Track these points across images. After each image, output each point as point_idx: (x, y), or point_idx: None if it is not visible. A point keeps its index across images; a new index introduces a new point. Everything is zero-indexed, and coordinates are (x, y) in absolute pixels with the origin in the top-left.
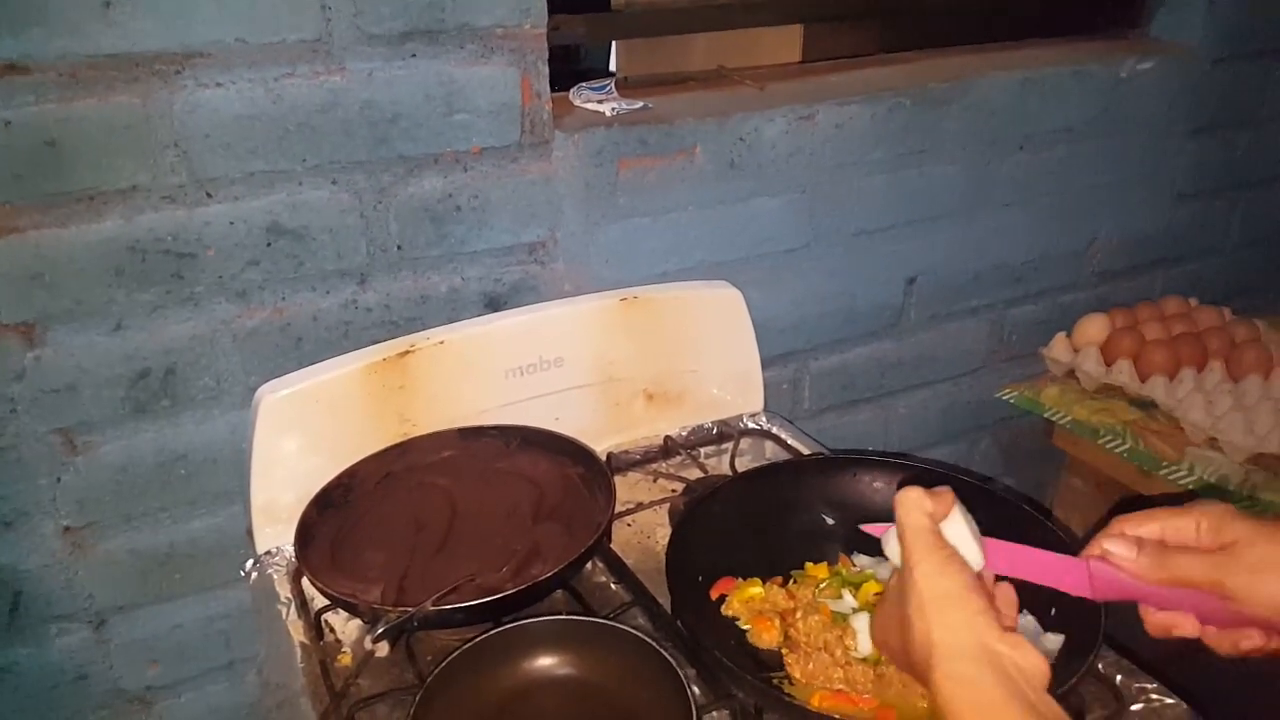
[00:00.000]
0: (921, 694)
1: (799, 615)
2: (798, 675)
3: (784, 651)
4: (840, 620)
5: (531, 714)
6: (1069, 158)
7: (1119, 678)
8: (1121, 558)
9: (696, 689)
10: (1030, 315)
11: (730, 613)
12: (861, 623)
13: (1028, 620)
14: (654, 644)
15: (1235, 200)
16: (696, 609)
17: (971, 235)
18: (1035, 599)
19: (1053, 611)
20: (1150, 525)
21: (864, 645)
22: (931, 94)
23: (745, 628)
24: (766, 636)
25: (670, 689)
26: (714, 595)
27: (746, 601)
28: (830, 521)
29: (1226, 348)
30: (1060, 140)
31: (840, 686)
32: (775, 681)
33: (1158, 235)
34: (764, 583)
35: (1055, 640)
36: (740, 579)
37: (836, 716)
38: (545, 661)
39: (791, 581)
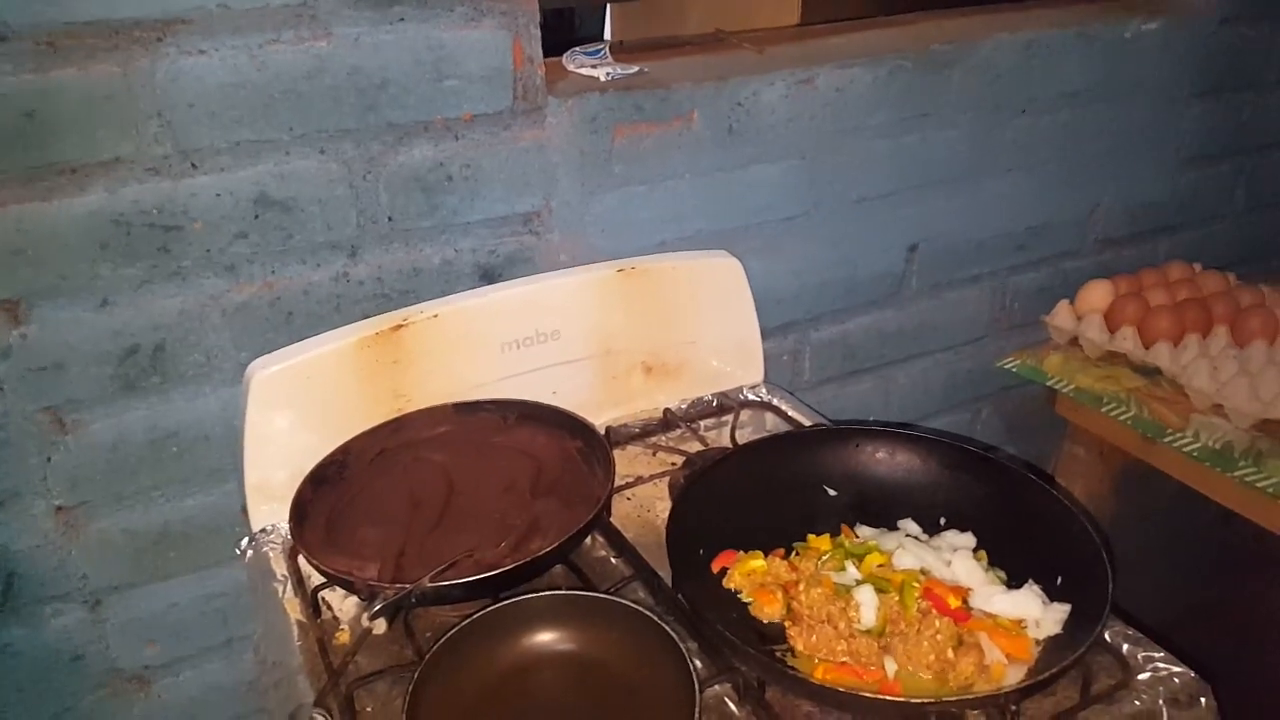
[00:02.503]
0: (926, 665)
1: (802, 588)
2: (800, 648)
3: (786, 624)
4: (843, 593)
5: (532, 690)
6: (1073, 122)
7: (1125, 646)
8: None
9: (698, 662)
10: (1033, 282)
11: (732, 585)
12: (865, 595)
13: (1034, 590)
14: (655, 618)
15: (1241, 165)
16: (698, 582)
17: (974, 201)
18: (1041, 569)
19: (1059, 580)
20: None
21: (868, 617)
22: (934, 56)
23: (747, 601)
24: (769, 609)
25: (672, 663)
26: (715, 568)
27: (748, 574)
28: (832, 493)
29: (1231, 314)
30: (1064, 104)
31: (844, 659)
32: (778, 654)
33: (1162, 200)
34: (766, 555)
35: (1061, 610)
36: (742, 551)
37: (840, 688)
38: (545, 637)
39: (793, 554)
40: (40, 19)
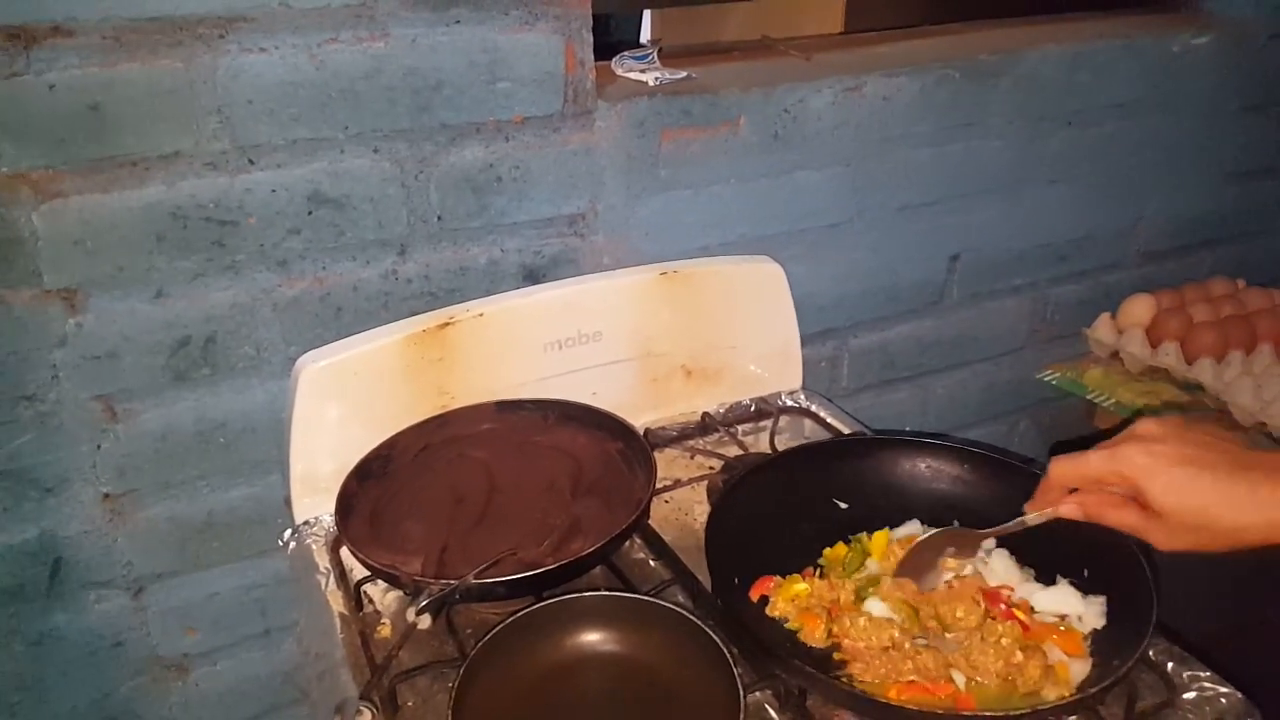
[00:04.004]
0: (995, 672)
1: (848, 623)
2: (869, 680)
3: (839, 656)
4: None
5: (575, 689)
6: (1118, 134)
7: (1170, 665)
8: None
9: (740, 669)
10: (1074, 294)
11: (776, 614)
12: (875, 606)
13: (1067, 585)
14: (699, 622)
15: None
16: (746, 615)
17: (1016, 212)
18: (1067, 562)
19: (1085, 573)
20: (1085, 472)
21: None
22: (981, 66)
23: (795, 628)
24: (818, 634)
25: (716, 667)
26: (754, 597)
27: (792, 599)
28: (843, 506)
29: (1276, 330)
30: (1110, 116)
31: (911, 677)
32: (843, 680)
33: (1206, 215)
34: (802, 576)
35: (1098, 601)
36: (778, 576)
37: (938, 710)
38: (590, 637)
39: (818, 572)
40: (107, 14)
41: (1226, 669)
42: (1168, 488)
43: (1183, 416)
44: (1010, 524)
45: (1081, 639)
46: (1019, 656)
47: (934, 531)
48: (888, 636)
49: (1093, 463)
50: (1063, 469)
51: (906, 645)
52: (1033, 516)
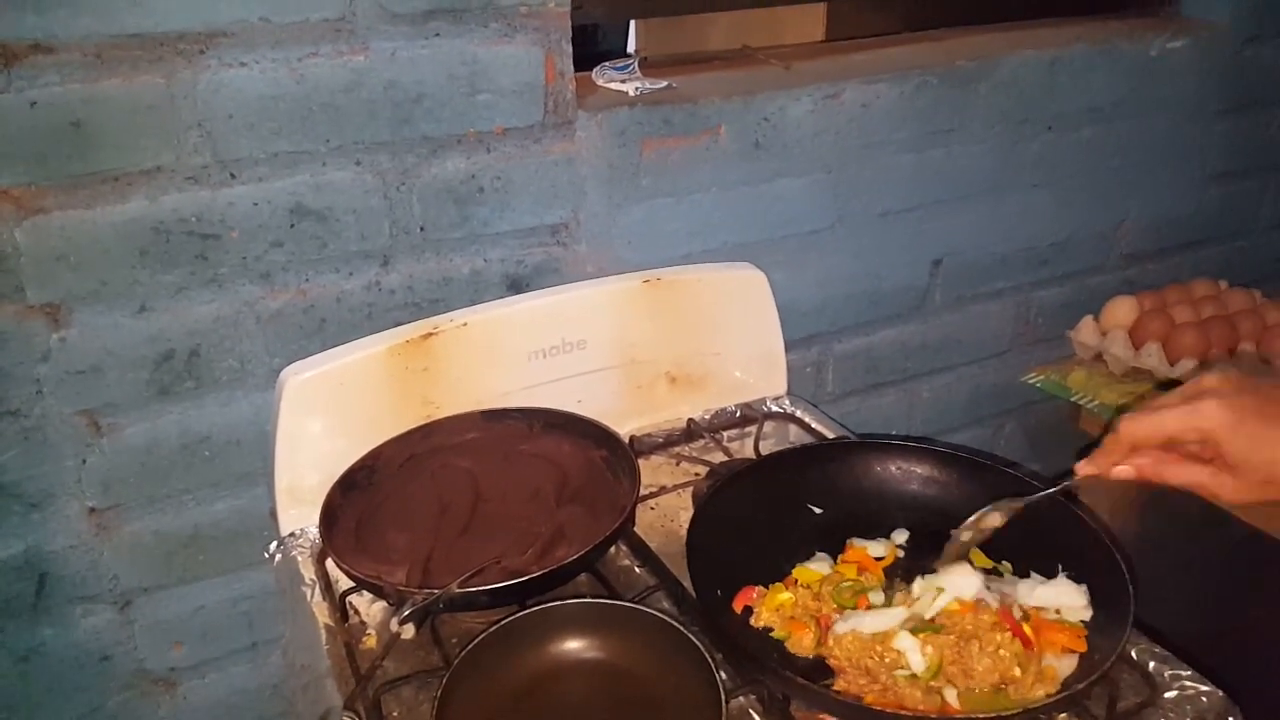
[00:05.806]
0: (990, 684)
1: (831, 642)
2: (856, 692)
3: (829, 664)
4: (880, 636)
5: (558, 697)
6: (1098, 138)
7: (1152, 664)
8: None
9: (723, 674)
10: (1057, 298)
11: (761, 624)
12: (906, 642)
13: (1036, 579)
14: (681, 628)
15: (1267, 181)
16: (732, 628)
17: (998, 216)
18: (1043, 558)
19: (1060, 568)
20: (1161, 428)
21: (916, 664)
22: (960, 72)
23: (781, 637)
24: (806, 642)
25: (698, 673)
26: (738, 608)
27: (777, 609)
28: (818, 511)
29: (1258, 331)
30: (1089, 120)
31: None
32: (834, 690)
33: (1187, 217)
34: (785, 585)
35: (1084, 592)
36: (761, 586)
37: (878, 706)
38: (572, 645)
39: (800, 586)
40: (88, 31)
41: (1210, 670)
42: (1250, 440)
43: (1235, 369)
44: (1053, 488)
45: (1083, 632)
46: (1016, 672)
47: (982, 511)
48: (864, 663)
49: (1169, 419)
50: (1134, 426)
51: (884, 677)
52: (1081, 478)
